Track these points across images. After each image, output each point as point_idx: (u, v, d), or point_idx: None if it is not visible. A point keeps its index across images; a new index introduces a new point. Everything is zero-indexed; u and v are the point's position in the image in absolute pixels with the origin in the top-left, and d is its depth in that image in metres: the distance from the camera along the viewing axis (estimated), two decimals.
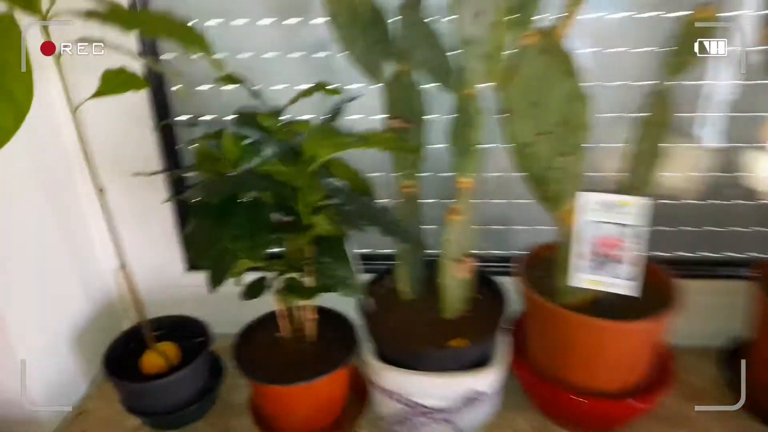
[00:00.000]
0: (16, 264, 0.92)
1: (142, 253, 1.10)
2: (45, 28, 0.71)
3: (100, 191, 0.82)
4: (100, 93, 0.78)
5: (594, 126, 0.79)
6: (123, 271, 0.91)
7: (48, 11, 0.70)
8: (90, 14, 0.67)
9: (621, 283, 0.82)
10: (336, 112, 0.85)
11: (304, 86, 0.86)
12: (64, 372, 1.05)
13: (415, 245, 0.99)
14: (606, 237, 0.82)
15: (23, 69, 0.64)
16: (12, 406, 0.97)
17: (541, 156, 0.83)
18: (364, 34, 0.89)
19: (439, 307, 0.94)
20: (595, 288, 0.85)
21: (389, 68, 0.91)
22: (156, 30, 0.66)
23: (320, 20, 1.01)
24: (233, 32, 1.02)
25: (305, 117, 1.02)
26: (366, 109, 1.04)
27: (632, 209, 0.79)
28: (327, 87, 0.88)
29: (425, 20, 0.85)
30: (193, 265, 1.19)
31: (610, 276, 0.83)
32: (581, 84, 0.78)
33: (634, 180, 0.86)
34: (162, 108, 1.05)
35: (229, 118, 0.87)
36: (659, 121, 0.84)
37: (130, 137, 1.05)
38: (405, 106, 0.92)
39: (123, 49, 0.77)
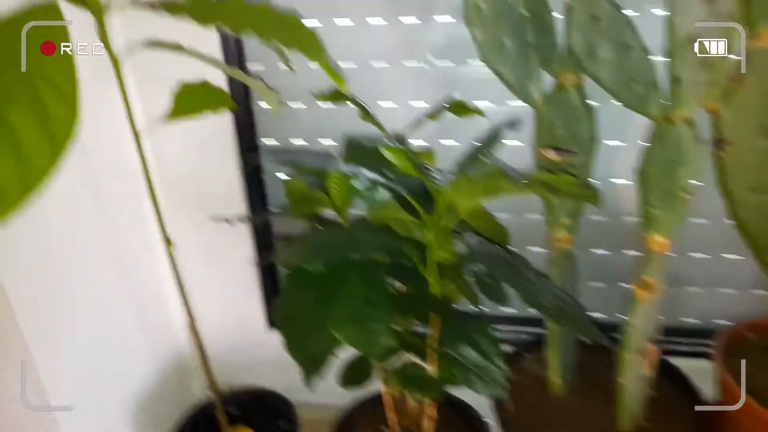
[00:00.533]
0: (71, 319, 0.74)
1: (219, 306, 0.92)
2: (102, 27, 0.52)
3: (169, 243, 0.63)
4: (175, 114, 0.58)
5: None
6: (193, 327, 0.71)
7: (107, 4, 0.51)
8: (167, 6, 0.47)
9: None
10: (491, 141, 0.61)
11: (422, 103, 0.64)
12: None
13: (568, 318, 0.74)
14: None
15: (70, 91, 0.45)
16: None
17: None
18: (516, 33, 0.66)
19: (608, 412, 0.68)
20: None
21: (548, 79, 0.67)
22: (250, 24, 0.45)
23: (447, 18, 0.78)
24: (336, 35, 0.81)
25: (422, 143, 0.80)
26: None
27: None
28: (464, 106, 0.65)
29: (615, 11, 0.60)
30: (275, 322, 0.99)
31: None
32: None
33: None
34: (246, 131, 0.85)
35: (325, 141, 0.66)
36: None
37: (208, 166, 0.85)
38: (566, 132, 0.68)
39: (201, 56, 0.57)
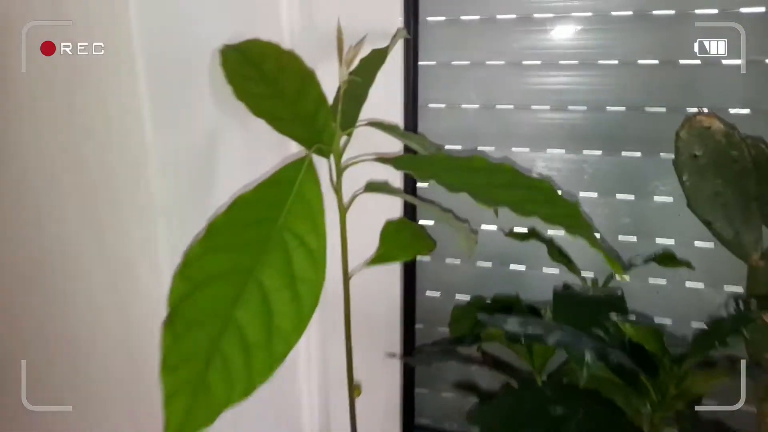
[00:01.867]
0: None
1: None
2: (338, 175, 0.50)
3: (356, 391, 0.58)
4: (382, 258, 0.55)
5: None
6: None
7: (341, 155, 0.50)
8: (403, 163, 0.45)
9: None
10: (743, 320, 0.55)
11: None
12: None
13: None
14: None
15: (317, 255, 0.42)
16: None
17: None
18: (736, 186, 0.61)
19: None
20: None
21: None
22: (512, 199, 0.41)
23: (634, 153, 0.74)
24: (511, 161, 0.78)
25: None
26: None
27: None
28: (675, 258, 0.60)
29: None
30: None
31: None
32: None
33: None
34: (408, 282, 0.81)
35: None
36: None
37: (375, 304, 0.82)
38: None
39: (404, 193, 0.55)
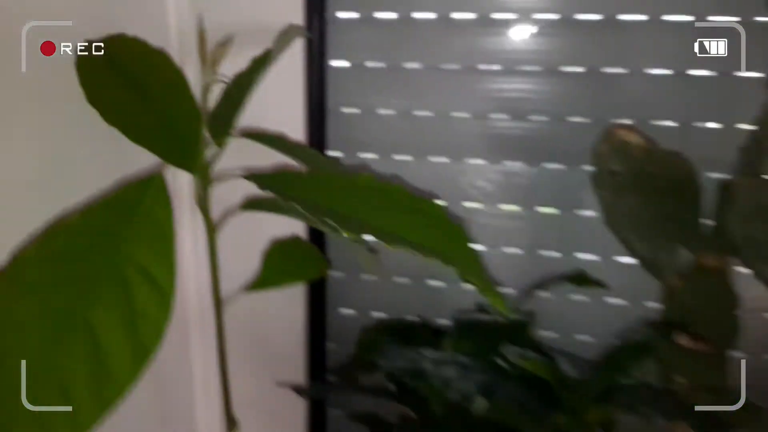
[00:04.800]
0: None
1: None
2: (204, 192, 0.44)
3: (234, 425, 0.53)
4: (264, 283, 0.50)
5: None
6: None
7: (209, 166, 0.44)
8: (276, 187, 0.40)
9: None
10: (639, 350, 0.51)
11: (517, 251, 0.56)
12: None
13: None
14: None
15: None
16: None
17: None
18: (655, 204, 0.58)
19: None
20: None
21: (685, 256, 0.59)
22: (406, 232, 0.36)
23: (558, 165, 0.71)
24: (428, 171, 0.74)
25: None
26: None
27: None
28: (587, 278, 0.56)
29: None
30: None
31: None
32: None
33: None
34: (319, 298, 0.75)
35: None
36: None
37: (271, 333, 0.76)
38: (704, 317, 0.59)
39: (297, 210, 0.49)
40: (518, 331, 0.53)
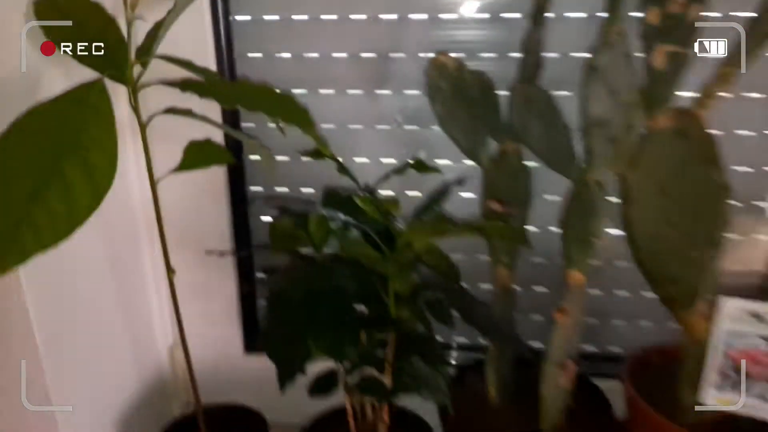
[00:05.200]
0: (71, 336, 0.84)
1: (201, 332, 1.01)
2: (134, 96, 0.65)
3: (170, 271, 0.74)
4: (184, 166, 0.71)
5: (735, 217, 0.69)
6: (184, 344, 0.81)
7: (137, 81, 0.65)
8: (187, 86, 0.61)
9: (763, 406, 0.69)
10: (442, 194, 0.76)
11: (391, 160, 0.79)
12: None
13: (506, 340, 0.87)
14: (750, 351, 0.69)
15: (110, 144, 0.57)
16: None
17: (668, 250, 0.73)
18: (469, 108, 0.81)
19: (534, 418, 0.81)
20: (730, 409, 0.71)
21: (493, 146, 0.83)
22: (257, 104, 0.59)
23: (414, 91, 0.94)
24: (320, 101, 0.96)
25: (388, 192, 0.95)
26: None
27: None
28: (425, 165, 0.80)
29: (544, 96, 0.77)
30: (251, 346, 1.09)
31: (751, 396, 0.69)
32: (723, 172, 0.68)
33: None
34: (238, 181, 0.98)
35: (307, 190, 0.79)
36: None
37: (202, 211, 0.98)
38: (508, 188, 0.83)
39: (206, 119, 0.70)
40: (367, 194, 0.76)
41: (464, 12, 0.89)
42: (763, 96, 0.88)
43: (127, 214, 0.96)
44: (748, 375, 0.70)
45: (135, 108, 0.65)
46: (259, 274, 1.06)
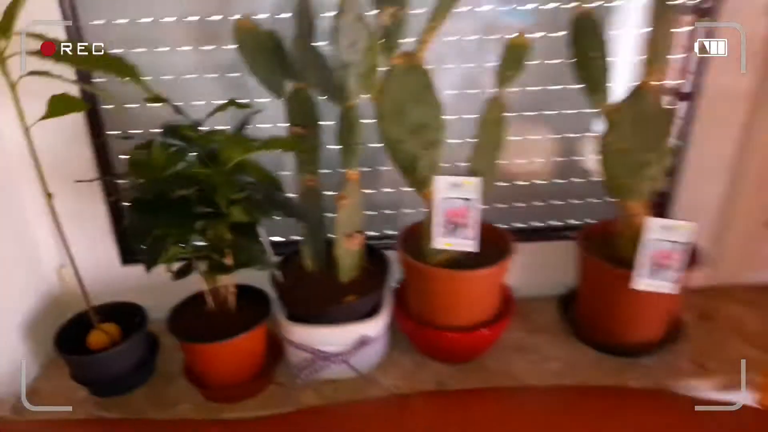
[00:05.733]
0: None
1: (83, 251, 1.26)
2: (2, 65, 0.88)
3: (49, 196, 1.00)
4: (48, 115, 0.95)
5: (448, 125, 1.07)
6: (68, 266, 1.08)
7: (3, 51, 0.88)
8: (44, 55, 0.85)
9: (466, 242, 1.09)
10: (244, 122, 1.07)
11: (220, 102, 1.07)
12: (16, 357, 1.20)
13: (314, 225, 1.22)
14: (455, 209, 1.08)
15: None
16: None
17: (408, 150, 1.09)
18: (267, 58, 1.11)
19: (336, 274, 1.18)
20: (450, 248, 1.11)
21: (289, 86, 1.14)
22: (96, 65, 0.85)
23: (232, 47, 1.22)
24: (158, 58, 1.21)
25: (223, 127, 1.24)
26: (275, 119, 1.26)
27: (472, 187, 1.06)
28: (237, 102, 1.10)
29: (315, 47, 1.08)
30: (127, 259, 1.36)
31: (459, 238, 1.10)
32: (436, 94, 1.04)
33: (477, 166, 1.13)
34: (96, 124, 1.23)
35: (157, 131, 1.07)
36: (495, 120, 1.12)
37: (70, 151, 1.22)
38: (303, 116, 1.16)
39: (66, 79, 0.95)
40: (194, 126, 1.05)
41: None
42: (457, 38, 1.26)
43: (5, 158, 1.18)
44: (456, 225, 1.09)
45: (5, 72, 0.89)
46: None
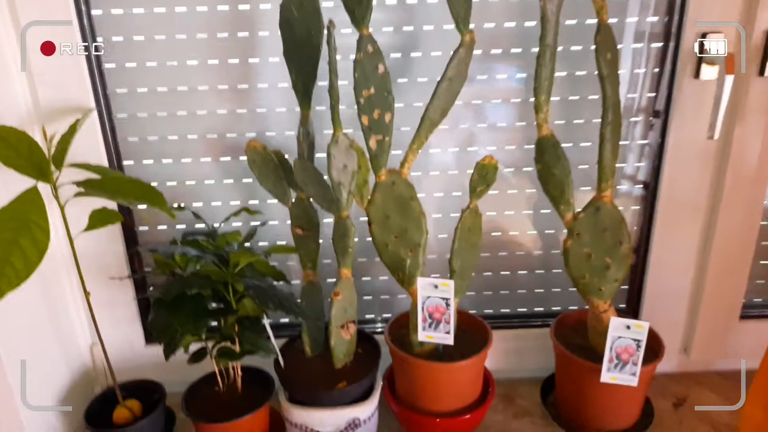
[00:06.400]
0: (14, 342, 1.25)
1: (111, 333, 1.44)
2: (55, 191, 1.08)
3: (87, 293, 1.18)
4: (90, 227, 1.14)
5: (429, 231, 1.22)
6: (98, 345, 1.25)
7: (57, 179, 1.08)
8: (85, 185, 1.05)
9: (446, 337, 1.23)
10: (252, 233, 1.25)
11: (235, 206, 1.25)
12: (51, 425, 1.36)
13: (311, 320, 1.37)
14: (434, 306, 1.22)
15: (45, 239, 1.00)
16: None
17: (394, 252, 1.25)
18: (274, 172, 1.30)
19: (331, 360, 1.32)
20: (431, 341, 1.25)
21: (293, 195, 1.32)
22: (129, 195, 1.04)
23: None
24: (183, 167, 1.41)
25: (237, 225, 1.42)
26: (283, 218, 1.44)
27: (448, 288, 1.20)
28: (249, 209, 1.28)
29: (313, 166, 1.27)
30: (151, 340, 1.53)
31: (440, 332, 1.23)
32: (419, 203, 1.21)
33: (455, 266, 1.28)
34: (128, 227, 1.42)
35: (180, 226, 1.24)
36: (470, 226, 1.27)
37: (107, 249, 1.40)
38: (304, 219, 1.33)
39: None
40: (212, 234, 1.23)
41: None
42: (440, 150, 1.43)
43: (51, 259, 1.37)
44: (436, 320, 1.23)
45: (56, 197, 1.08)
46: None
